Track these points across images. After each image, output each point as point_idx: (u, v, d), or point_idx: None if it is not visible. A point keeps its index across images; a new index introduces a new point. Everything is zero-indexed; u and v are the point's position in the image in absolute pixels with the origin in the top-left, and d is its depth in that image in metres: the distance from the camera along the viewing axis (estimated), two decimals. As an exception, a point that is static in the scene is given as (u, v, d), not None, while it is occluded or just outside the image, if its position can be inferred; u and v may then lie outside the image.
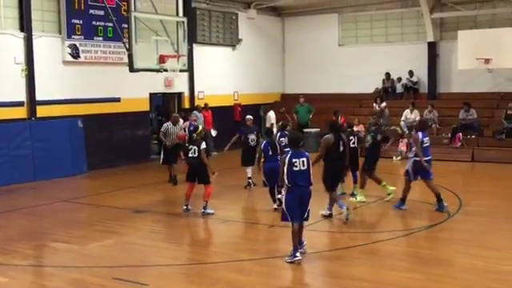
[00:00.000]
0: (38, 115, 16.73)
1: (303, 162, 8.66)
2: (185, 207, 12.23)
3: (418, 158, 11.61)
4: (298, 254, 8.64)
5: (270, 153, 12.12)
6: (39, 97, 16.74)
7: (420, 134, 11.72)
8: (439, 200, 11.76)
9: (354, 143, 12.79)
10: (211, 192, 11.99)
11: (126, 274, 8.36)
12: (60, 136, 16.77)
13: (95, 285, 8.08)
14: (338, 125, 12.39)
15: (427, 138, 11.89)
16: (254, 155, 12.91)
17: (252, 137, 14.76)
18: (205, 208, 11.98)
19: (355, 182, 13.19)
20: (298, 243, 8.73)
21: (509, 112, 19.89)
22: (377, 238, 10.04)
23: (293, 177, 8.60)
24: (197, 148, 11.93)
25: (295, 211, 8.69)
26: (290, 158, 8.63)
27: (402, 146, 19.95)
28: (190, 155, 12.02)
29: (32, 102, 16.64)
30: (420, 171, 11.71)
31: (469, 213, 11.76)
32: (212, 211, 11.96)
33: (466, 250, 9.43)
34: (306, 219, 8.94)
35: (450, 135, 20.09)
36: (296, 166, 8.61)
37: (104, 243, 10.30)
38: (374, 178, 12.91)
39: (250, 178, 14.80)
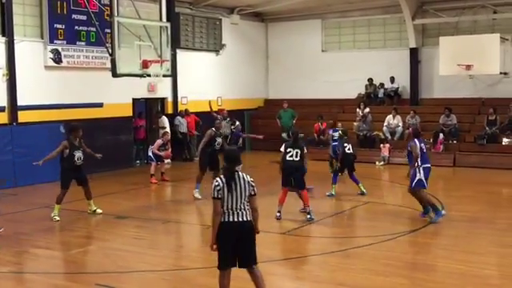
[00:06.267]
0: (20, 120, 16.56)
1: (426, 146, 11.72)
2: (278, 214, 11.66)
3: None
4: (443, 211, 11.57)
5: None
6: (21, 102, 16.58)
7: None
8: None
9: (349, 149, 14.18)
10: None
11: (108, 280, 8.29)
12: (41, 141, 16.53)
13: (77, 291, 8.01)
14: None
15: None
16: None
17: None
18: (309, 213, 11.53)
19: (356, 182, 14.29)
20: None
21: (490, 118, 20.07)
22: (360, 243, 10.06)
23: (423, 157, 11.28)
24: (299, 151, 11.46)
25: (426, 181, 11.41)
26: (420, 144, 11.31)
27: (385, 152, 20.05)
28: (290, 158, 11.51)
29: (13, 107, 16.48)
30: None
31: (451, 218, 11.82)
32: (314, 217, 11.54)
33: (448, 254, 9.47)
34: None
35: (431, 140, 20.22)
36: (423, 149, 11.38)
37: (86, 249, 10.23)
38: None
39: None
